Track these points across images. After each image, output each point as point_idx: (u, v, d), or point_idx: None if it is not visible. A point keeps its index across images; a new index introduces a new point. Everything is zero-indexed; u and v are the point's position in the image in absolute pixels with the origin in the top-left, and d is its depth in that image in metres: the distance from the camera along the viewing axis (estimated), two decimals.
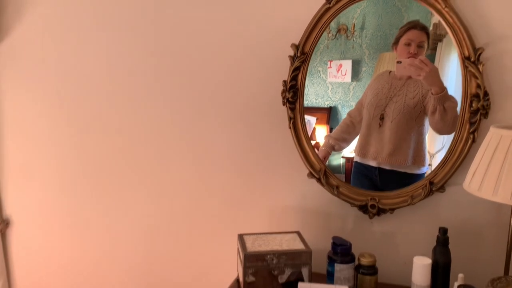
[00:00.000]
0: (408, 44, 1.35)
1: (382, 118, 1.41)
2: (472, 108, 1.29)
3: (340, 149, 1.51)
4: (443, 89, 1.32)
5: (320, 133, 1.54)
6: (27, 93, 1.85)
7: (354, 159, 1.49)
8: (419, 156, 1.40)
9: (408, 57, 1.34)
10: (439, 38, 1.34)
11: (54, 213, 1.90)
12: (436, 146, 1.40)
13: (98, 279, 1.90)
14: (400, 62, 1.35)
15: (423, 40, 1.35)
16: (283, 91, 1.45)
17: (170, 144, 1.69)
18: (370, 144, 1.44)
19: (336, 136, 1.50)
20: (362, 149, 1.46)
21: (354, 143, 1.49)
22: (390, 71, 1.41)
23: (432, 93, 1.33)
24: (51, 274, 1.96)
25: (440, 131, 1.37)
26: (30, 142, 1.89)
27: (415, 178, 1.41)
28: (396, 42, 1.38)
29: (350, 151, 1.51)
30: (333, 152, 1.52)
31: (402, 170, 1.42)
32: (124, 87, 1.71)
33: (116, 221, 1.82)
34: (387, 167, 1.43)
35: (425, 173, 1.41)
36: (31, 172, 1.91)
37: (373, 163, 1.45)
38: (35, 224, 1.94)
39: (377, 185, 1.46)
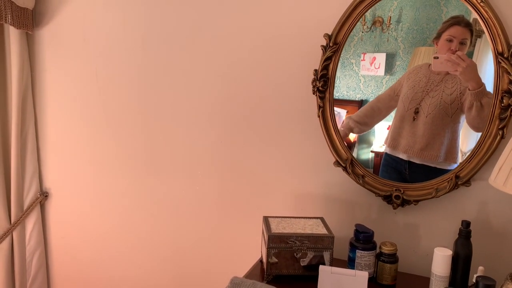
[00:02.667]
0: (450, 40, 1.33)
1: (417, 112, 1.40)
2: (503, 104, 1.29)
3: (360, 132, 1.51)
4: (480, 85, 1.31)
5: None
6: (68, 73, 1.94)
7: (384, 150, 1.49)
8: (451, 153, 1.40)
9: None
10: (479, 34, 1.33)
11: (91, 186, 2.00)
12: (469, 145, 1.39)
13: (129, 251, 1.99)
14: (438, 58, 1.34)
15: (466, 38, 1.33)
16: (314, 80, 1.48)
17: (200, 127, 1.75)
18: (401, 137, 1.44)
19: (358, 119, 1.50)
20: (393, 141, 1.46)
21: (381, 133, 1.49)
22: (430, 64, 1.39)
23: (469, 89, 1.33)
24: (86, 243, 2.07)
25: (477, 128, 1.35)
26: (68, 119, 1.98)
27: (445, 173, 1.41)
28: (438, 36, 1.36)
29: (379, 145, 1.51)
30: (362, 146, 1.53)
31: (433, 165, 1.42)
32: (159, 66, 1.78)
33: (149, 197, 1.90)
34: (417, 161, 1.43)
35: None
36: (69, 148, 2.01)
37: (403, 156, 1.45)
38: (72, 197, 2.05)
39: (406, 178, 1.46)
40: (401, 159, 1.46)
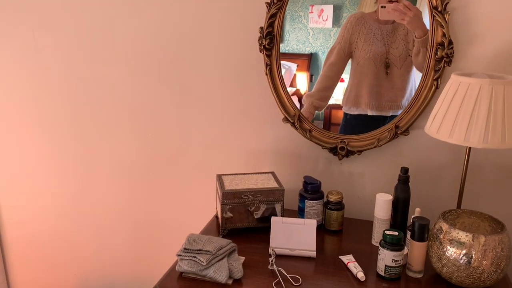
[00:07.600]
0: None
1: (387, 66, 1.43)
2: (437, 56, 1.37)
3: (322, 108, 1.52)
4: (426, 32, 1.37)
5: (301, 80, 1.56)
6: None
7: (361, 113, 1.49)
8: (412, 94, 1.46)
9: (390, 1, 1.36)
10: None
11: (35, 157, 1.95)
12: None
13: (80, 220, 1.99)
14: (384, 7, 1.37)
15: None
16: (260, 38, 1.49)
17: (152, 91, 1.73)
18: (382, 94, 1.46)
19: (319, 97, 1.51)
20: (376, 100, 1.46)
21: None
22: (373, 13, 1.41)
23: (416, 37, 1.38)
24: (35, 215, 2.05)
25: (422, 70, 1.42)
26: (7, 94, 1.90)
27: None
28: None
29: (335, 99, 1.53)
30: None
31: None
32: (90, 29, 1.72)
33: (100, 165, 1.89)
34: (398, 113, 1.47)
35: None
36: (12, 122, 1.93)
37: (387, 113, 1.48)
38: (19, 172, 2.00)
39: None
40: (384, 116, 1.48)
